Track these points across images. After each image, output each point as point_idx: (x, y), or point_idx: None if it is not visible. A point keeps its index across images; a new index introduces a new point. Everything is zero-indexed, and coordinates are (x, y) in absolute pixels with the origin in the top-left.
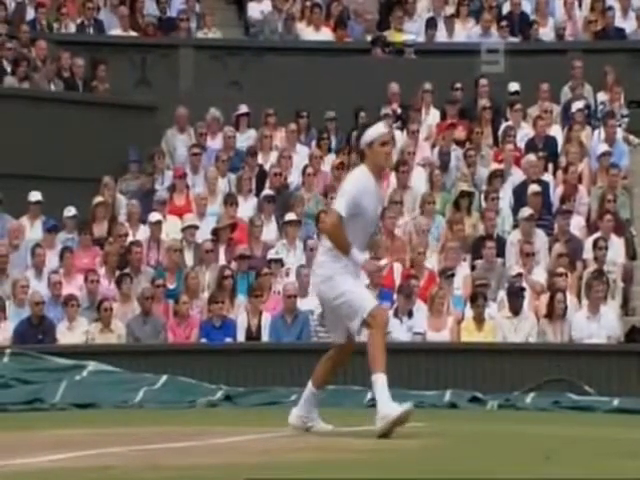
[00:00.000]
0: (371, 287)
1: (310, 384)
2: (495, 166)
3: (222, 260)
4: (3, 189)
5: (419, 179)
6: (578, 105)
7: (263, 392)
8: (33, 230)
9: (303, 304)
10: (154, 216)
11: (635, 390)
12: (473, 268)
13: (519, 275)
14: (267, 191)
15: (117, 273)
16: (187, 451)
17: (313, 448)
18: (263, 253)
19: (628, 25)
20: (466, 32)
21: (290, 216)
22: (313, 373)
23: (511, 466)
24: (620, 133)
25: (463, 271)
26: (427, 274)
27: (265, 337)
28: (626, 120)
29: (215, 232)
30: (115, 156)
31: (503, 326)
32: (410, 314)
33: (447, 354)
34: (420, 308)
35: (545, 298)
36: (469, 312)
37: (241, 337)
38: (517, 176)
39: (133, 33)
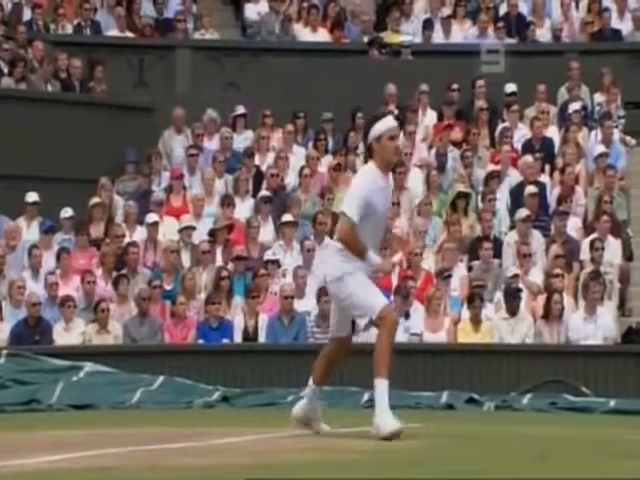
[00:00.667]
0: None
1: (310, 381)
2: (492, 167)
3: (219, 261)
4: (0, 190)
5: (416, 180)
6: (575, 106)
7: (260, 393)
8: (30, 231)
9: (300, 305)
10: (151, 217)
11: (632, 391)
12: (470, 269)
13: (516, 276)
14: (264, 192)
15: (114, 274)
16: (185, 452)
17: (312, 449)
18: (260, 254)
19: (624, 26)
20: (463, 33)
21: (287, 217)
22: (313, 370)
23: (508, 467)
24: (617, 134)
25: (460, 272)
26: (424, 275)
27: (262, 338)
28: (623, 121)
29: (212, 233)
30: (112, 157)
31: (500, 327)
32: (407, 315)
33: (444, 355)
34: (417, 309)
35: (542, 299)
36: (466, 313)
37: (238, 338)
38: (514, 177)
39: (130, 34)
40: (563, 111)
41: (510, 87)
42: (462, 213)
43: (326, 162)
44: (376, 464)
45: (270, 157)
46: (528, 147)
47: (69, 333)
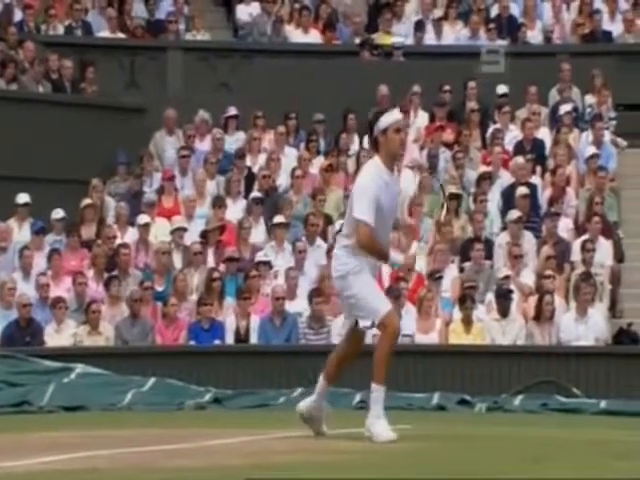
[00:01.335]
0: None
1: (321, 377)
2: (483, 168)
3: (211, 262)
4: None
5: (408, 181)
6: (566, 108)
7: (252, 394)
8: (21, 232)
9: (291, 306)
10: (142, 218)
11: (622, 392)
12: (461, 270)
13: (507, 277)
14: (256, 193)
15: (105, 275)
16: (177, 453)
17: (304, 450)
18: (252, 255)
19: (615, 28)
20: (454, 35)
21: (279, 218)
22: (325, 367)
23: (499, 468)
24: (608, 136)
25: (451, 273)
26: (415, 276)
27: (253, 339)
28: (614, 123)
29: (204, 234)
30: (103, 158)
31: (491, 328)
32: (399, 316)
33: (435, 356)
34: (409, 310)
35: (533, 300)
36: (457, 314)
37: (230, 339)
38: (505, 178)
39: (121, 35)
40: (554, 112)
41: (501, 89)
42: (453, 214)
43: (318, 163)
44: (368, 466)
45: (262, 158)
46: (519, 148)
47: (60, 334)
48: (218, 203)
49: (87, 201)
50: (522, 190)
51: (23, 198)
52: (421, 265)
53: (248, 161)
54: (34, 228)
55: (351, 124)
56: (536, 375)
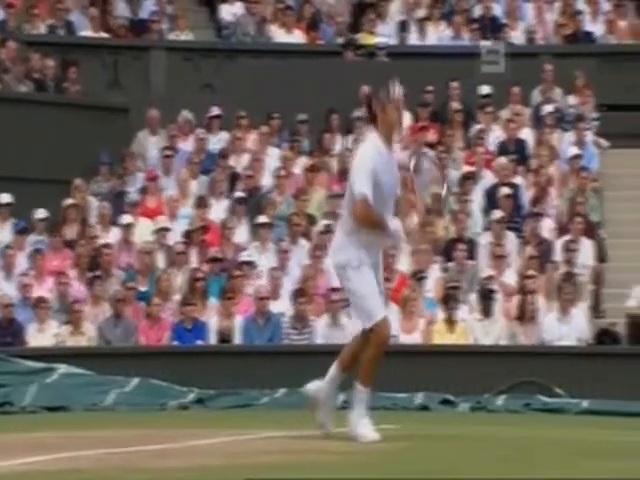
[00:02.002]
0: None
1: (335, 363)
2: (466, 169)
3: (194, 262)
4: None
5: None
6: (548, 108)
7: (235, 395)
8: (3, 232)
9: (275, 306)
10: (125, 218)
11: (605, 392)
12: (444, 270)
13: (490, 277)
14: (239, 193)
15: (88, 275)
16: (160, 454)
17: (287, 450)
18: (235, 255)
19: (597, 29)
20: (438, 35)
21: (262, 218)
22: (340, 354)
23: (482, 467)
24: (590, 136)
25: (434, 273)
26: (399, 276)
27: (237, 339)
28: (596, 123)
29: (187, 234)
30: (86, 158)
31: (474, 328)
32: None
33: (419, 356)
34: (392, 310)
35: (516, 300)
36: (440, 314)
37: (213, 339)
38: (488, 179)
39: (104, 34)
40: (537, 113)
41: (484, 89)
42: (436, 214)
43: (301, 163)
44: (351, 465)
45: (245, 158)
46: (502, 149)
47: (42, 334)
48: (201, 203)
49: (70, 201)
50: (505, 190)
51: (5, 198)
52: (404, 265)
53: (231, 161)
54: (16, 228)
55: (334, 124)
56: (519, 375)
